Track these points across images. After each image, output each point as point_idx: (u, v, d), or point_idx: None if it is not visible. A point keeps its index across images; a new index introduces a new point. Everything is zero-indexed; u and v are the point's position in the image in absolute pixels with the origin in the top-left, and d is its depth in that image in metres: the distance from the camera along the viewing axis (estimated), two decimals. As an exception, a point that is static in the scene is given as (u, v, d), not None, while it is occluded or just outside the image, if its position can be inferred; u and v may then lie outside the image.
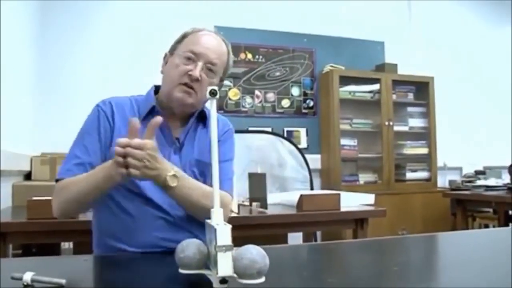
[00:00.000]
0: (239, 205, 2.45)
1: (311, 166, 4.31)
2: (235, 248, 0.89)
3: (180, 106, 1.45)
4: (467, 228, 4.17)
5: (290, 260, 1.35)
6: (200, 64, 1.41)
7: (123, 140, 1.17)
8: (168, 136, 1.46)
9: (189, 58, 1.42)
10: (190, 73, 1.40)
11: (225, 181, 1.51)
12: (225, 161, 1.56)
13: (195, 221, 1.40)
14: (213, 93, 0.97)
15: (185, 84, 1.41)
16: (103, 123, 1.43)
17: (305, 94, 4.66)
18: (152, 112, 1.45)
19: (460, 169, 5.18)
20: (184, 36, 1.49)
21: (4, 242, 2.01)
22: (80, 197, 1.32)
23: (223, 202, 1.49)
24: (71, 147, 1.44)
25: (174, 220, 1.41)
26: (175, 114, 1.48)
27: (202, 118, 1.54)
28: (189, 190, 1.34)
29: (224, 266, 0.87)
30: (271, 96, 4.53)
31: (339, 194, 2.56)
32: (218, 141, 1.53)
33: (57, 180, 1.39)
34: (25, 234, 2.06)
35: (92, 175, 1.30)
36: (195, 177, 1.45)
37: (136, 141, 1.17)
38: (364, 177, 4.68)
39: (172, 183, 1.26)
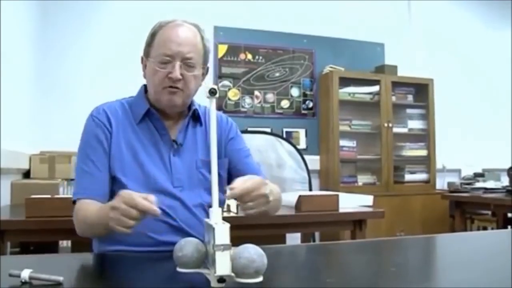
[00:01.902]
0: (237, 205, 2.44)
1: (310, 167, 4.31)
2: (233, 248, 0.89)
3: (171, 108, 1.45)
4: (465, 230, 4.17)
5: (288, 260, 1.35)
6: (177, 63, 1.39)
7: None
8: (166, 138, 1.45)
9: (165, 62, 1.40)
10: (170, 75, 1.39)
11: (263, 173, 1.54)
12: (249, 156, 1.61)
13: (198, 225, 1.37)
14: (212, 92, 0.97)
15: (170, 87, 1.40)
16: (102, 133, 1.42)
17: (304, 95, 4.66)
18: (147, 114, 1.45)
19: (459, 171, 5.18)
20: (153, 36, 1.46)
21: (2, 240, 2.00)
22: (94, 229, 1.33)
23: (280, 196, 1.50)
24: (77, 163, 1.43)
25: (178, 224, 1.39)
26: (169, 114, 1.48)
27: (196, 117, 1.53)
28: (275, 195, 1.37)
29: (222, 265, 0.87)
30: (270, 96, 4.54)
31: (337, 195, 2.56)
32: (231, 138, 1.56)
33: (74, 201, 1.40)
34: (23, 232, 2.05)
35: (102, 211, 1.26)
36: (205, 179, 1.45)
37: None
38: (363, 179, 4.68)
39: (271, 197, 1.26)
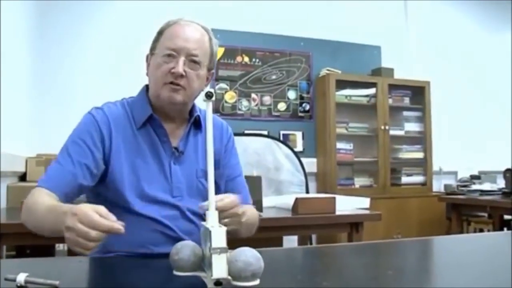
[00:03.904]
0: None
1: (307, 170, 4.32)
2: (229, 250, 0.89)
3: (171, 105, 1.39)
4: (462, 233, 4.19)
5: (285, 263, 1.35)
6: (181, 59, 1.35)
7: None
8: (167, 145, 1.41)
9: (169, 55, 1.36)
10: (173, 70, 1.34)
11: (248, 196, 1.57)
12: (241, 174, 1.59)
13: (198, 235, 1.33)
14: (209, 96, 0.96)
15: (171, 83, 1.36)
16: (95, 135, 1.35)
17: (301, 97, 4.67)
18: (149, 119, 1.40)
19: (456, 173, 5.19)
20: (160, 33, 1.42)
21: (-2, 243, 2.00)
22: (38, 228, 1.22)
23: (256, 220, 1.51)
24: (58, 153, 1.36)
25: (177, 235, 1.35)
26: (171, 118, 1.44)
27: (198, 123, 1.49)
28: (251, 219, 1.37)
29: (219, 268, 0.87)
30: (267, 99, 4.54)
31: (334, 198, 2.56)
32: (228, 151, 1.55)
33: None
34: (19, 235, 2.03)
35: (52, 214, 1.13)
36: (204, 188, 1.40)
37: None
38: (359, 181, 4.69)
39: (244, 218, 1.26)
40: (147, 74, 1.46)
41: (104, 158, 1.35)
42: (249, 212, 1.37)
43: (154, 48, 1.43)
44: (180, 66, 1.34)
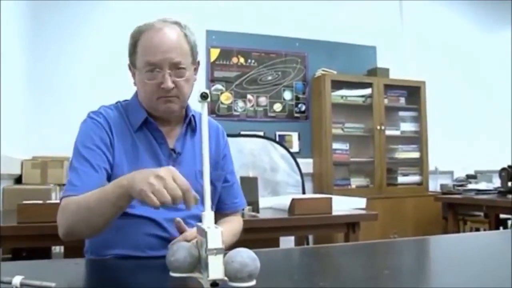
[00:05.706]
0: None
1: (303, 170, 4.32)
2: (226, 251, 0.89)
3: (168, 114, 1.41)
4: (458, 232, 4.19)
5: (282, 263, 1.34)
6: (166, 73, 1.34)
7: None
8: (164, 147, 1.41)
9: (152, 70, 1.34)
10: (162, 86, 1.33)
11: (243, 200, 1.62)
12: (236, 181, 1.62)
13: None
14: (204, 97, 0.96)
15: (164, 96, 1.36)
16: (104, 137, 1.35)
17: (297, 98, 4.67)
18: (144, 122, 1.41)
19: (452, 173, 5.21)
20: (134, 44, 1.40)
21: (-6, 246, 1.99)
22: (92, 211, 1.18)
23: (239, 228, 1.55)
24: (71, 163, 1.34)
25: (173, 238, 1.33)
26: (167, 120, 1.44)
27: (193, 124, 1.49)
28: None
29: (215, 269, 0.87)
30: (263, 100, 4.54)
31: (330, 198, 2.56)
32: (223, 157, 1.56)
33: (61, 199, 1.28)
34: (15, 238, 2.03)
35: (108, 187, 1.17)
36: (203, 190, 1.40)
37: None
38: (356, 181, 4.69)
39: None
40: (134, 84, 1.46)
41: (113, 158, 1.36)
42: (227, 232, 1.38)
43: (133, 61, 1.41)
44: (168, 80, 1.34)
